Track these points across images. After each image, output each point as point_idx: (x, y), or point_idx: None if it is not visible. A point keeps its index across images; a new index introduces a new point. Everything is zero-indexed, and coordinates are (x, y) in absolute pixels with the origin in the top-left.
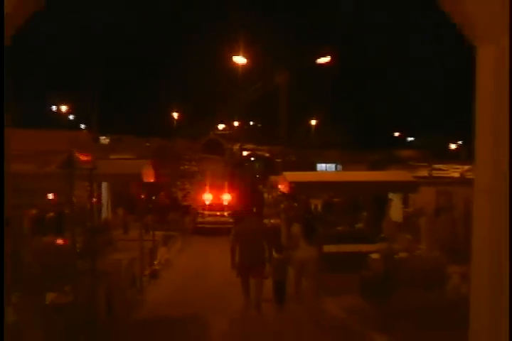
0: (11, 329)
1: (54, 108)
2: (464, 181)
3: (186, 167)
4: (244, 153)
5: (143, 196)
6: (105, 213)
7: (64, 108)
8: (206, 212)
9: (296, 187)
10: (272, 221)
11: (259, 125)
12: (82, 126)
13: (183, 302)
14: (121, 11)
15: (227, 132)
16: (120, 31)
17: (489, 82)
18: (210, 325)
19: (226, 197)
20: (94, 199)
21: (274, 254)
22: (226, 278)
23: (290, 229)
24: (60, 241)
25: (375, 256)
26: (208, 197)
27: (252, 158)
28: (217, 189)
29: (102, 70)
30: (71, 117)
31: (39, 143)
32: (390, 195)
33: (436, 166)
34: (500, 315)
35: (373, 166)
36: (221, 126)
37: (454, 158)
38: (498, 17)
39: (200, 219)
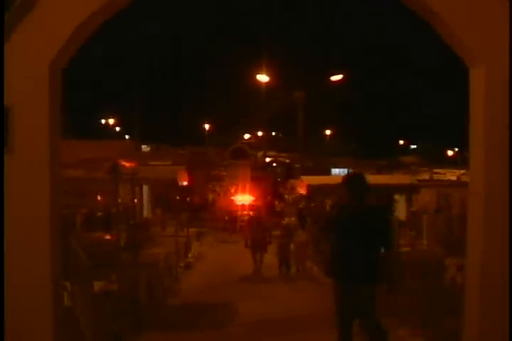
0: (65, 312)
1: (103, 121)
2: (460, 184)
3: (216, 172)
4: (267, 160)
5: (178, 197)
6: (146, 212)
7: (111, 121)
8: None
9: (313, 189)
10: (293, 218)
11: (280, 135)
12: (127, 136)
13: (213, 290)
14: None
15: (252, 141)
16: (157, 57)
17: (481, 100)
18: (234, 310)
19: (251, 198)
20: (135, 200)
21: (282, 238)
22: (247, 269)
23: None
24: (107, 237)
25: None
26: (235, 199)
27: (274, 164)
28: (243, 191)
29: (144, 90)
30: (117, 129)
31: (90, 151)
32: (396, 196)
33: (436, 170)
34: (490, 300)
35: (380, 171)
36: (247, 136)
37: (451, 163)
38: (489, 40)
39: (228, 218)
